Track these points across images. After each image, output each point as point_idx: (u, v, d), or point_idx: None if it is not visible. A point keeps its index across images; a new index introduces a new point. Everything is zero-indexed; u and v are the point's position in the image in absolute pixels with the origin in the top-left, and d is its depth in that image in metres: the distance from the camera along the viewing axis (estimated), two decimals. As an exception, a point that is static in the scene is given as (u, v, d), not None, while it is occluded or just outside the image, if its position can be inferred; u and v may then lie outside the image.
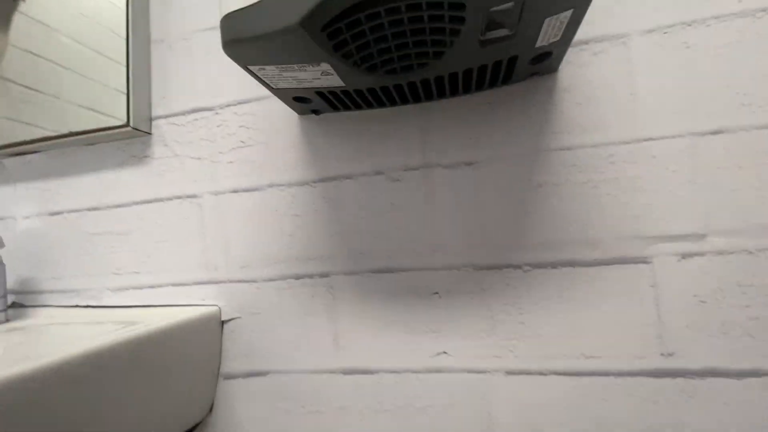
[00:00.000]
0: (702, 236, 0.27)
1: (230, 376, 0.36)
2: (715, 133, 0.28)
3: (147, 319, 0.32)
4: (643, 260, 0.28)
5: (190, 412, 0.34)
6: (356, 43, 0.22)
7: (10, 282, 0.42)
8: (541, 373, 0.29)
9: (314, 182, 0.34)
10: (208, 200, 0.37)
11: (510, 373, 0.30)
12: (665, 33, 0.28)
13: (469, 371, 0.30)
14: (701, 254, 0.27)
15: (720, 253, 0.27)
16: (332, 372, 0.33)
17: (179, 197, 0.38)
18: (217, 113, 0.37)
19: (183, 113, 0.38)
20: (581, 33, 0.30)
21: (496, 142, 0.31)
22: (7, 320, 0.38)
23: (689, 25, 0.28)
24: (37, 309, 0.41)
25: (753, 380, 0.26)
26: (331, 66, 0.24)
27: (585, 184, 0.29)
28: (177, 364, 0.32)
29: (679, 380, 0.27)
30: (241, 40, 0.22)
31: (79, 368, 0.24)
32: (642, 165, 0.28)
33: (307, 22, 0.20)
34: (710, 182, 0.27)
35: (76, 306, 0.40)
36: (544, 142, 0.30)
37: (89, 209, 0.40)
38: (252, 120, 0.36)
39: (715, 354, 0.27)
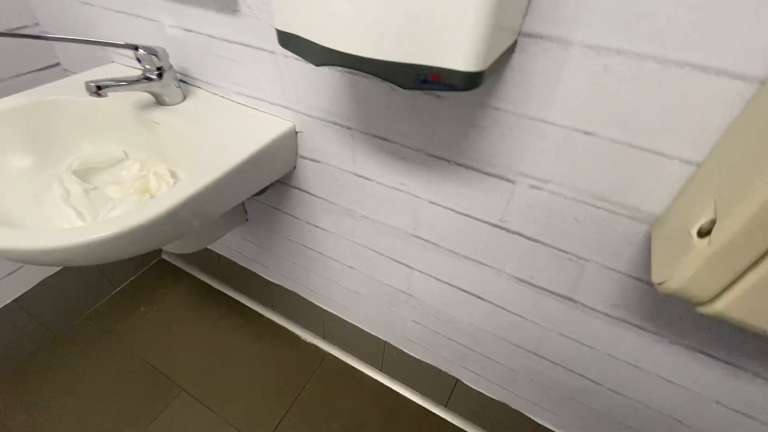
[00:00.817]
0: (546, 182, 0.48)
1: (302, 156, 0.68)
2: (585, 133, 0.42)
3: (263, 121, 0.62)
4: (511, 181, 0.50)
5: (286, 167, 0.69)
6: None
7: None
8: (444, 207, 0.58)
9: (344, 72, 0.52)
10: (281, 59, 0.56)
11: (431, 202, 0.59)
12: (596, 52, 0.37)
13: (413, 195, 0.60)
14: (540, 189, 0.48)
15: (551, 192, 0.48)
16: (351, 173, 0.64)
17: (264, 50, 0.57)
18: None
19: (256, -15, 0.51)
20: (535, 27, 0.38)
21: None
22: (184, 97, 0.68)
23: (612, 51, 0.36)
24: (191, 88, 0.70)
25: (538, 245, 0.54)
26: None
27: (502, 133, 0.47)
28: (282, 150, 0.64)
29: (502, 231, 0.56)
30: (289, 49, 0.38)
31: (267, 148, 0.59)
32: (537, 137, 0.45)
33: (319, 65, 0.37)
34: (566, 158, 0.44)
35: (216, 95, 0.69)
36: (488, 100, 0.45)
37: (209, 36, 0.61)
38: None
39: (525, 227, 0.53)
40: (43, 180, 0.65)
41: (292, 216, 0.82)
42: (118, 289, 1.25)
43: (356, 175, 0.64)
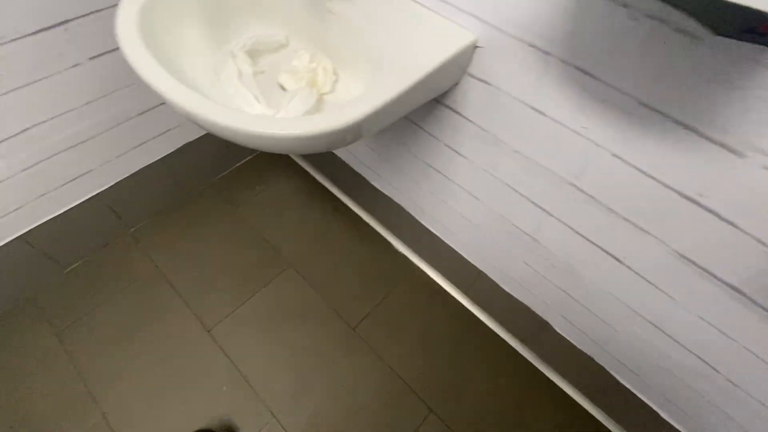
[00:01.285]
0: (791, 164, 0.41)
1: (470, 75, 0.63)
2: None
3: (443, 29, 0.58)
4: (740, 155, 0.43)
5: (449, 84, 0.65)
6: None
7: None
8: (629, 163, 0.53)
9: (575, -13, 0.45)
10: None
11: (614, 155, 0.54)
12: None
13: (593, 142, 0.55)
14: (778, 172, 0.42)
15: (790, 177, 0.41)
16: (525, 103, 0.59)
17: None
18: None
19: None
20: None
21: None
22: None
23: None
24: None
25: (730, 229, 0.49)
26: None
27: (762, 97, 0.39)
28: (454, 66, 0.60)
29: (693, 206, 0.50)
30: None
31: (446, 64, 0.55)
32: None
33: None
34: None
35: (394, -11, 0.63)
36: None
37: None
38: None
39: (726, 208, 0.48)
40: (221, 56, 0.67)
41: (431, 135, 0.80)
42: (238, 165, 1.37)
43: (530, 106, 0.59)
